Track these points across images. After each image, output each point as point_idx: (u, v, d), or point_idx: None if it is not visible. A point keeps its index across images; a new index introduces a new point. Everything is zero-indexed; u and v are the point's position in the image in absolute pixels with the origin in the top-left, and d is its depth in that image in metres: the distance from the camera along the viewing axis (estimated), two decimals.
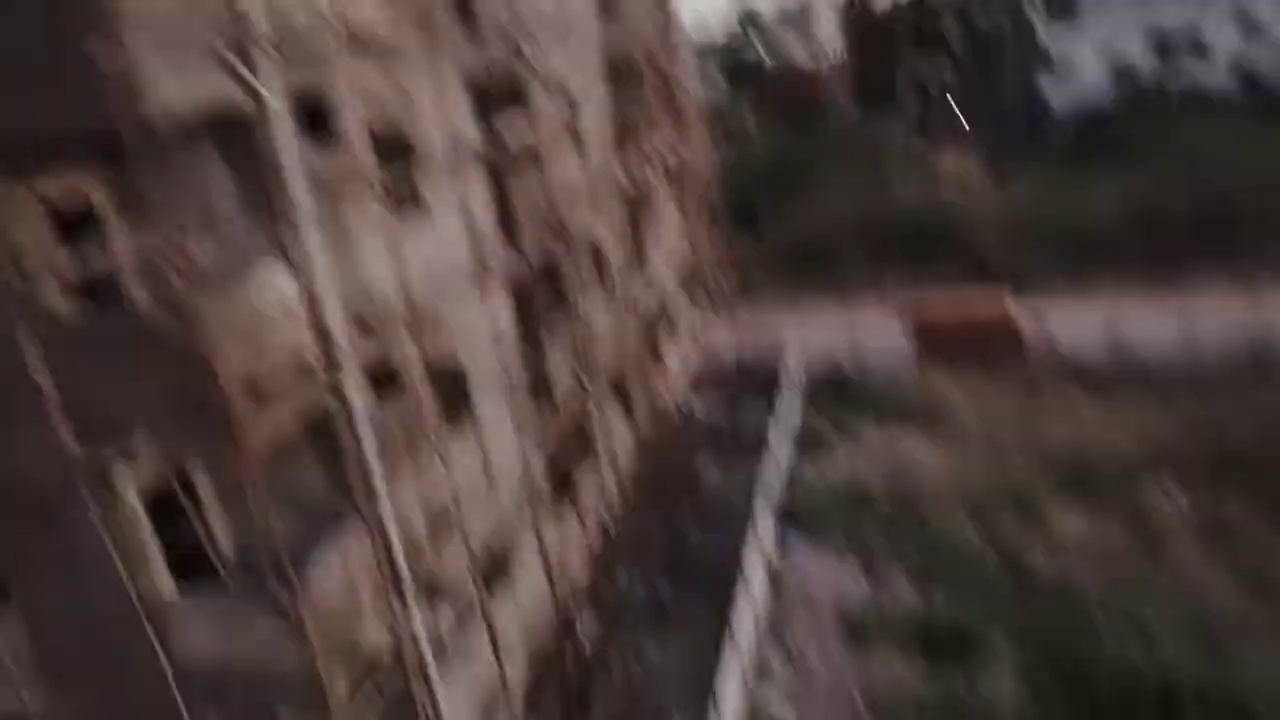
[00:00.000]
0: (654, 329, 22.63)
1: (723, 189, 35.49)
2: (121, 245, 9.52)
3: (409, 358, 11.19)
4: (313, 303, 9.26)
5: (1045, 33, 58.64)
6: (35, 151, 8.54)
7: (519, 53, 15.40)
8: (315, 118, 10.26)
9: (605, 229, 19.00)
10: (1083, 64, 54.80)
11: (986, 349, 27.38)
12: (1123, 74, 52.84)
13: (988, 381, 26.55)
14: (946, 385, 26.51)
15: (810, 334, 29.63)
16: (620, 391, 19.57)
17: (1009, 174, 40.23)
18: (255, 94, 8.83)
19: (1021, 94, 55.96)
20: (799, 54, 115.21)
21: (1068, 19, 62.72)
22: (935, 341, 28.02)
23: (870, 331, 28.96)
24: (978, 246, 33.44)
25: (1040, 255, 32.27)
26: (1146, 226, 31.27)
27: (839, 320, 30.96)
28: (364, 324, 10.58)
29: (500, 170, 13.74)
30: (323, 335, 9.35)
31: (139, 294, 9.94)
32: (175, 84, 8.02)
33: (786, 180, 40.44)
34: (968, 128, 52.22)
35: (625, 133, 21.28)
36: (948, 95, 59.14)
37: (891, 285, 33.32)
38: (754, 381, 27.80)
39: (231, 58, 8.44)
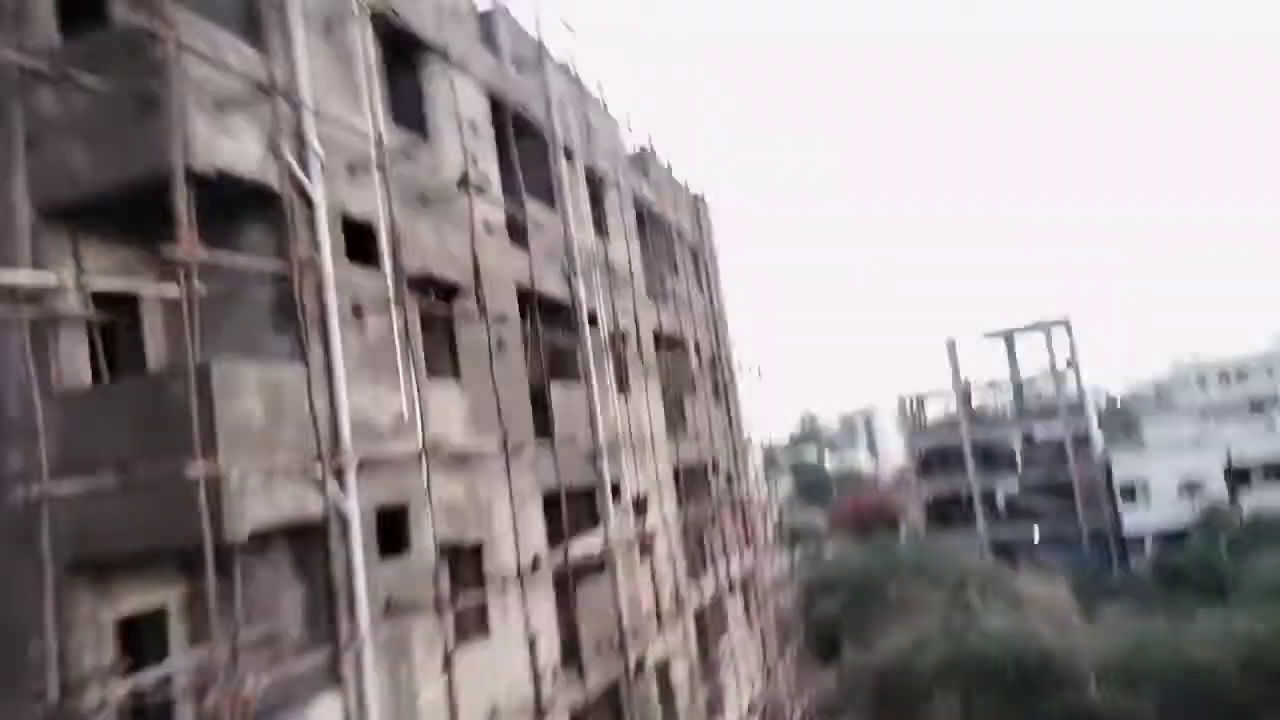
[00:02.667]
0: None
1: (799, 609, 34.16)
2: (180, 659, 8.94)
3: None
4: None
5: (1111, 453, 59.10)
6: (121, 567, 8.53)
7: (595, 467, 15.43)
8: (391, 529, 10.02)
9: (674, 651, 17.85)
10: (1155, 486, 53.93)
11: None
12: (1196, 497, 51.92)
13: None
14: None
15: None
16: None
17: (1094, 603, 39.01)
18: (338, 510, 8.81)
19: (1095, 518, 55.18)
20: (862, 460, 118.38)
21: (1132, 440, 63.44)
22: None
23: None
24: (1079, 687, 30.64)
25: (1151, 701, 29.20)
26: (1266, 674, 28.41)
27: None
28: None
29: (567, 585, 13.11)
30: None
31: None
32: (262, 497, 8.05)
33: (865, 603, 38.76)
34: (1044, 551, 51.96)
35: (695, 545, 20.79)
36: (1021, 516, 58.40)
37: None
38: None
39: (319, 472, 8.44)
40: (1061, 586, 40.03)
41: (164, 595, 9.16)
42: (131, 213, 8.62)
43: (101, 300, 8.77)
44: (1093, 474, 56.35)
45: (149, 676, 8.35)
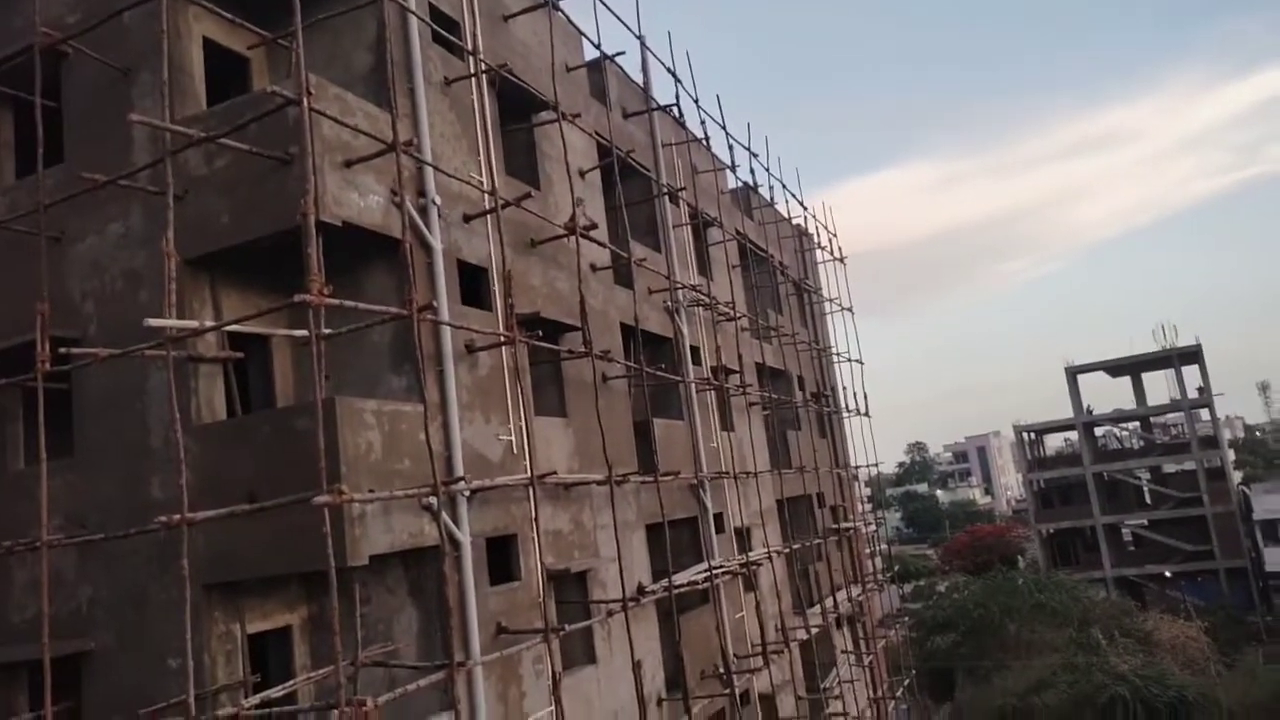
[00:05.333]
0: None
1: (911, 646, 33.40)
2: (304, 676, 9.49)
3: None
4: None
5: (1249, 491, 55.92)
6: (250, 588, 9.18)
7: (698, 497, 15.72)
8: (500, 556, 10.55)
9: (780, 684, 17.86)
10: None
11: None
12: None
13: None
14: None
15: None
16: None
17: (1237, 647, 37.25)
18: (451, 537, 9.27)
19: (1233, 555, 52.16)
20: (976, 494, 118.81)
21: (1272, 476, 61.12)
22: None
23: None
24: None
25: None
26: None
27: None
28: None
29: (671, 614, 13.16)
30: None
31: None
32: (381, 525, 8.53)
33: (981, 640, 37.66)
34: (1179, 590, 49.38)
35: (800, 578, 20.85)
36: (1150, 553, 55.45)
37: None
38: None
39: (433, 502, 8.88)
40: (1195, 627, 37.91)
41: (289, 616, 9.76)
42: (265, 260, 9.37)
43: (236, 341, 9.52)
44: (1230, 509, 53.17)
45: (277, 691, 8.96)
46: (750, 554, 17.24)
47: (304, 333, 7.86)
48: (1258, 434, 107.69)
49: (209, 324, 8.40)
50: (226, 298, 9.60)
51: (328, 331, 7.92)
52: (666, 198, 16.80)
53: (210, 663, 8.73)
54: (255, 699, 8.63)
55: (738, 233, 21.10)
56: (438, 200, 10.05)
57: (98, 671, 9.26)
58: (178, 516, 7.50)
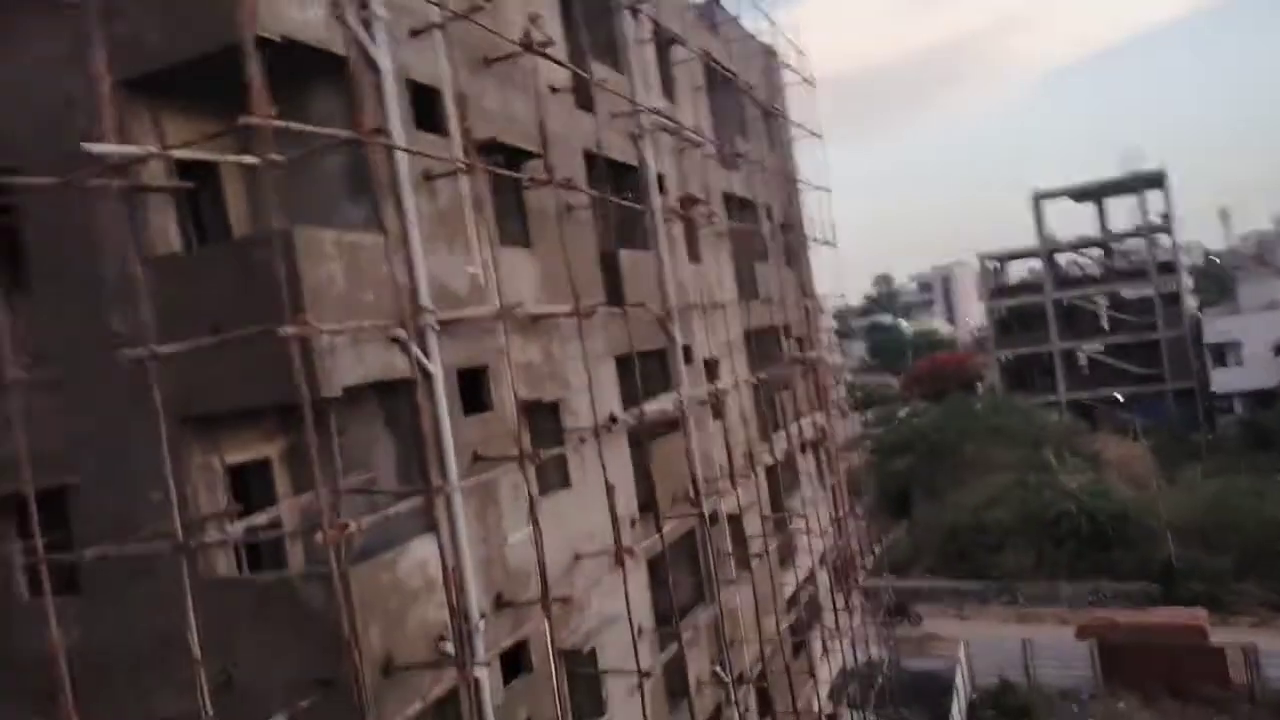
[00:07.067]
0: (801, 622, 21.10)
1: (871, 468, 34.37)
2: (286, 504, 9.69)
3: (543, 642, 10.78)
4: (455, 580, 9.10)
5: (1203, 316, 57.01)
6: (225, 421, 9.17)
7: (666, 330, 15.69)
8: (472, 387, 10.62)
9: (746, 505, 18.12)
10: (1247, 347, 51.99)
11: (1181, 675, 24.46)
12: None
13: (1184, 713, 23.89)
14: (1136, 712, 24.09)
15: (976, 641, 27.42)
16: (761, 694, 17.71)
17: (1179, 464, 38.56)
18: (422, 369, 9.24)
19: (1182, 378, 53.58)
20: (939, 324, 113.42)
21: (1228, 300, 60.61)
22: (1121, 661, 25.26)
23: (1045, 643, 26.61)
24: (1159, 549, 30.57)
25: (1235, 566, 29.36)
26: None
27: (1007, 628, 28.94)
28: (501, 601, 10.35)
29: (642, 442, 13.40)
30: (460, 613, 9.07)
31: (295, 555, 10.01)
32: (351, 357, 8.50)
33: (938, 461, 38.79)
34: (1129, 412, 49.50)
35: (767, 405, 21.05)
36: (1104, 377, 56.61)
37: (1063, 587, 30.80)
38: (914, 695, 25.63)
39: (402, 334, 8.86)
40: (1141, 446, 39.68)
41: (267, 447, 9.87)
42: (209, 84, 8.88)
43: (186, 170, 9.15)
44: (1181, 334, 54.71)
45: (261, 518, 9.16)
46: (718, 384, 17.56)
47: (253, 159, 7.57)
48: (1215, 260, 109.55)
49: (152, 150, 8.04)
50: (172, 124, 9.14)
51: (277, 157, 7.61)
52: (627, 11, 16.00)
53: (192, 493, 8.84)
54: (240, 526, 8.88)
55: (703, 52, 20.31)
56: (382, 13, 9.48)
57: (83, 504, 9.41)
58: (143, 350, 7.39)
